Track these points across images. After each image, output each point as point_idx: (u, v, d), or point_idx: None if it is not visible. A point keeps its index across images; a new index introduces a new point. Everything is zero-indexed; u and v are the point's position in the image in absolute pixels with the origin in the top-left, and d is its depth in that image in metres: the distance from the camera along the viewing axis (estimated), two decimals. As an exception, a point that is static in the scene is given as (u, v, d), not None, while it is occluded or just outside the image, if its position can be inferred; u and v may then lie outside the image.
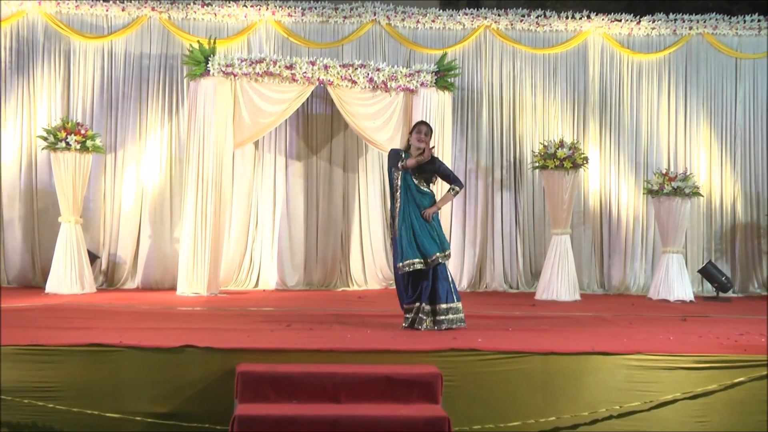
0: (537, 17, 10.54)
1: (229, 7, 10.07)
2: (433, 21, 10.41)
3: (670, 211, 9.40)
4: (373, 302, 8.43)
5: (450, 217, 9.88)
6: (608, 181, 10.64)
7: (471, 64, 10.56)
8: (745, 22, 10.69)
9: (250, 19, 10.18)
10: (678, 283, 9.35)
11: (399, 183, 6.37)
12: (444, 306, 6.22)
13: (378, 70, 9.27)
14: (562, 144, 9.27)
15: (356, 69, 9.23)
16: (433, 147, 6.48)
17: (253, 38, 10.21)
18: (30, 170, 9.83)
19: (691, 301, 9.27)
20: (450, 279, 6.34)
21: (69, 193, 8.86)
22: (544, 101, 10.59)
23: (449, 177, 6.47)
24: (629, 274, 10.53)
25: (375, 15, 10.34)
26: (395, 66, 9.53)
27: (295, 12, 10.22)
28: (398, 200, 6.35)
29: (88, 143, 8.86)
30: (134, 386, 4.94)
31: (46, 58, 9.92)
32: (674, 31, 10.69)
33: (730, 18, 10.72)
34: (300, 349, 5.16)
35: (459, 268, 10.31)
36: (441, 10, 10.50)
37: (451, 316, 6.24)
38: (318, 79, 9.19)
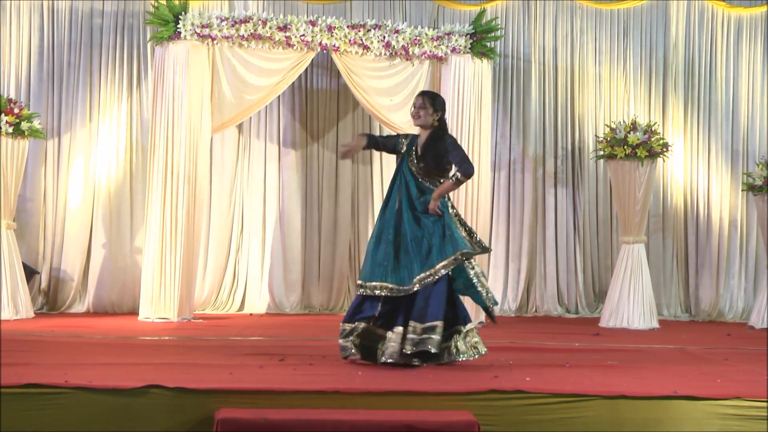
0: (603, -38, 10.58)
1: (206, -49, 10.14)
2: (468, -32, 10.45)
3: (777, 213, 9.38)
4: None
5: (489, 221, 9.87)
6: (696, 175, 10.61)
7: (517, 24, 10.56)
8: None
9: (232, -34, 10.23)
10: (789, 306, 9.33)
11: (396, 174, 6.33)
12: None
13: (397, 32, 9.29)
14: (634, 126, 9.25)
15: (369, 31, 9.25)
16: (438, 119, 6.28)
17: (236, -9, 10.26)
18: (-50, 161, 9.92)
19: (807, 330, 9.25)
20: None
21: None
22: (612, 71, 10.58)
23: (457, 160, 6.21)
24: (723, 294, 10.50)
25: (392, -40, 10.39)
26: (419, 27, 9.54)
27: (289, -43, 10.28)
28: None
29: (24, 126, 8.91)
30: (84, 438, 4.95)
31: (-33, 18, 10.00)
32: (788, -27, 10.66)
33: None
34: (296, 390, 5.17)
35: (501, 287, 10.30)
36: (478, -46, 10.54)
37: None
38: (320, 43, 9.22)
